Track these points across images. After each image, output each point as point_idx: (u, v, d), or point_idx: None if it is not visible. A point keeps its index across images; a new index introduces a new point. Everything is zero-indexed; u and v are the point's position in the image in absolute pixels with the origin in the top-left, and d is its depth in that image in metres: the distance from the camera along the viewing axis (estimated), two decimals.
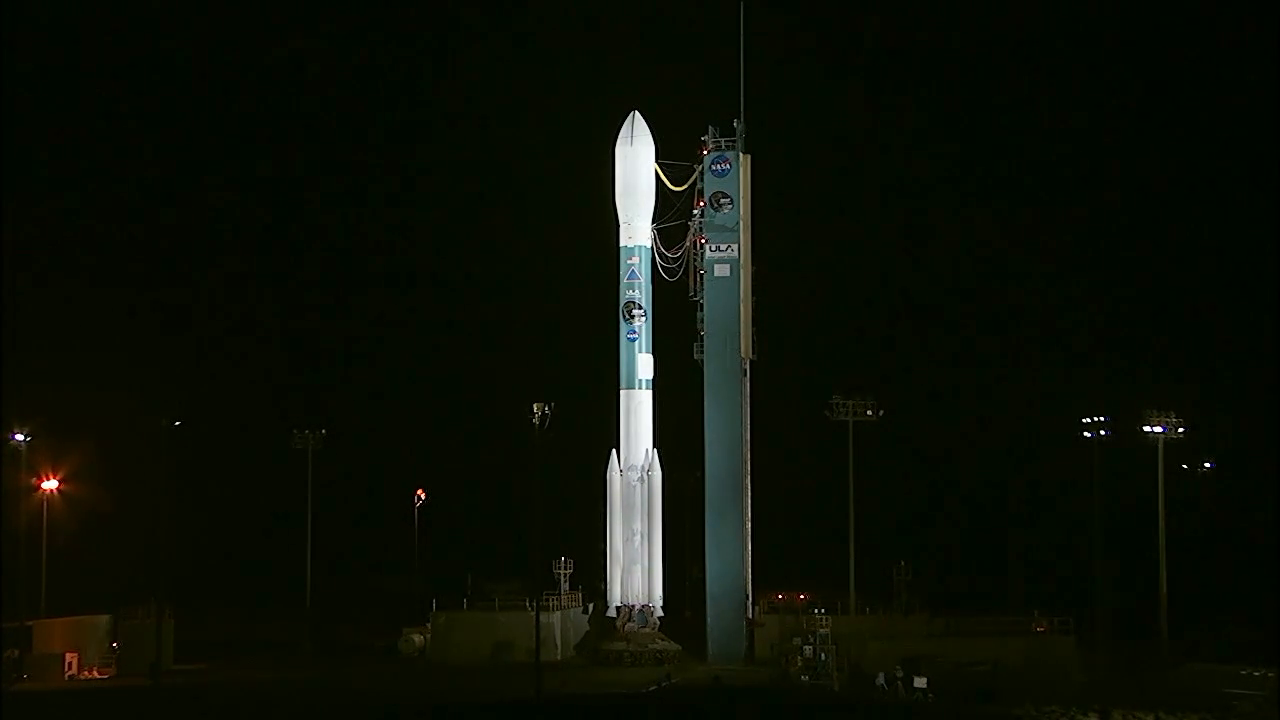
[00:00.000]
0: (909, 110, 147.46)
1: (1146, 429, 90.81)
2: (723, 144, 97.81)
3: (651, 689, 78.73)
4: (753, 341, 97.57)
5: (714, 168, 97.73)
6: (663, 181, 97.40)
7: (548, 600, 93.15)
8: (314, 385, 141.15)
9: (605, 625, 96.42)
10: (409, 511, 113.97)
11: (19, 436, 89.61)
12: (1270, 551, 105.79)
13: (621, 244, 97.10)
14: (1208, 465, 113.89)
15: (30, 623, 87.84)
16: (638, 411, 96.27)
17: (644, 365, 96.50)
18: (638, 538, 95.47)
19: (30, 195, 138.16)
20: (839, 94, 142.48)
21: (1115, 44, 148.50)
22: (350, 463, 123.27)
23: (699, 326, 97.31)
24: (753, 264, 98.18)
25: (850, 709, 74.10)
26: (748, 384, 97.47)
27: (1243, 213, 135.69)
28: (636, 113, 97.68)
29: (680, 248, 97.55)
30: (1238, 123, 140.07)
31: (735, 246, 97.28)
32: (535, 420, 76.63)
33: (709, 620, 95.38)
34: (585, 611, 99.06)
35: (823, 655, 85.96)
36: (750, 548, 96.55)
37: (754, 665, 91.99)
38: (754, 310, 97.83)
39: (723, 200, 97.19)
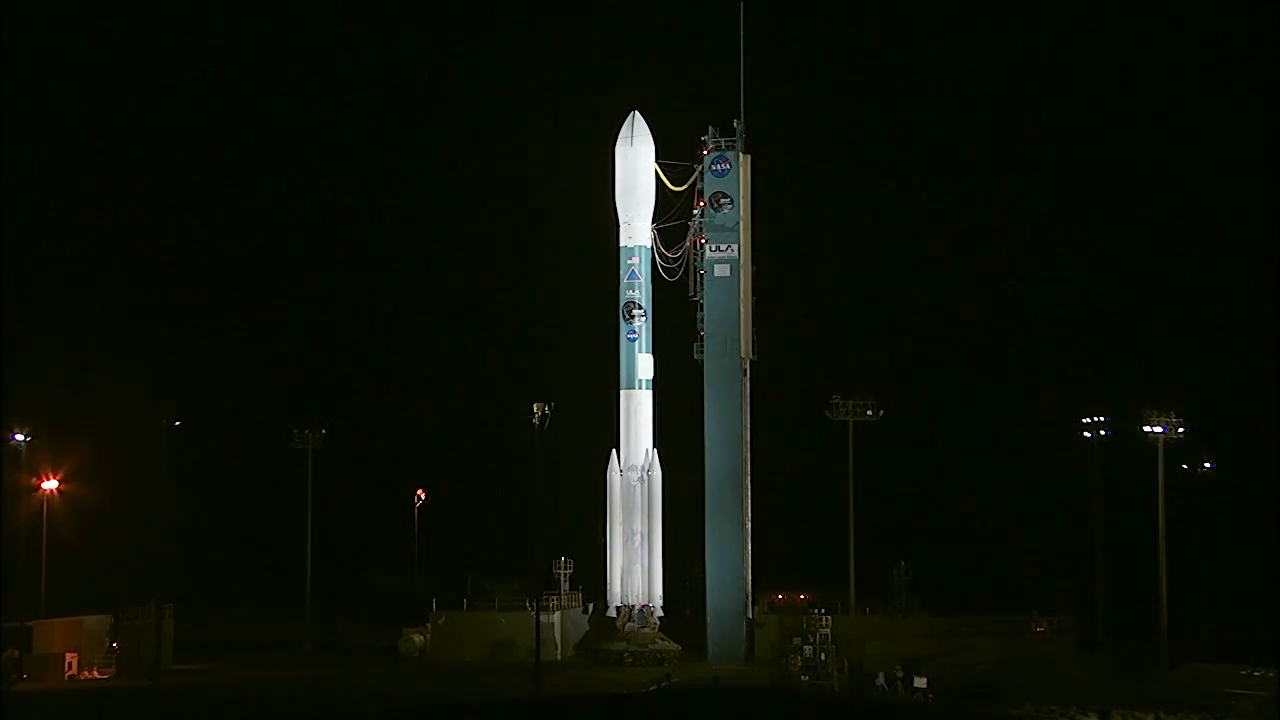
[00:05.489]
0: (908, 110, 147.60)
1: (1146, 429, 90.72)
2: (723, 144, 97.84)
3: (651, 689, 78.73)
4: (753, 341, 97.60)
5: (714, 168, 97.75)
6: (663, 181, 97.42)
7: (548, 600, 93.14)
8: (314, 385, 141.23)
9: (605, 625, 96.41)
10: (409, 511, 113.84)
11: (19, 436, 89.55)
12: (1270, 551, 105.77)
13: (621, 244, 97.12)
14: (1208, 465, 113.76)
15: (30, 623, 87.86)
16: (638, 411, 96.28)
17: (644, 365, 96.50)
18: (638, 538, 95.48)
19: (30, 195, 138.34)
20: (838, 94, 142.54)
21: (1114, 44, 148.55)
22: (350, 463, 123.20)
23: (699, 326, 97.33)
24: (753, 264, 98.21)
25: (850, 709, 74.09)
26: (748, 384, 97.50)
27: (1243, 212, 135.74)
28: (636, 113, 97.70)
29: (680, 248, 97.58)
30: (1238, 122, 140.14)
31: (735, 246, 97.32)
32: (535, 420, 76.62)
33: (709, 620, 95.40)
34: (585, 611, 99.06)
35: (823, 655, 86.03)
36: (750, 548, 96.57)
37: (754, 665, 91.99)
38: (754, 310, 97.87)
39: (723, 200, 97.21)
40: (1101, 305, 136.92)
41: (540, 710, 70.93)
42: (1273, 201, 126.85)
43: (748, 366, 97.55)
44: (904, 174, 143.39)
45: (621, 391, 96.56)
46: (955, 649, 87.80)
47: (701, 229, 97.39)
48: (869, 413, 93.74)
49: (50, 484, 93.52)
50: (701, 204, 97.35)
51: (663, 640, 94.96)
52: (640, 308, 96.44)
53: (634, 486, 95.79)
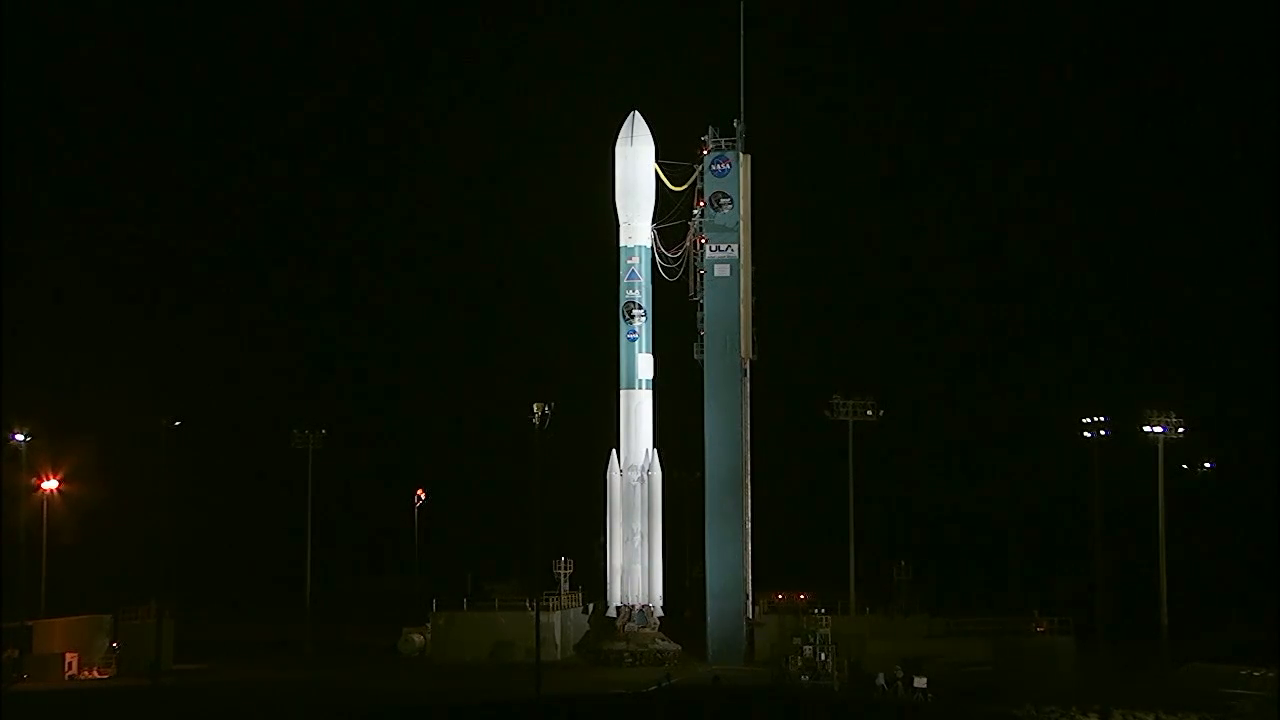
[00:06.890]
0: (908, 109, 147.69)
1: (1146, 429, 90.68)
2: (723, 144, 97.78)
3: (651, 689, 78.71)
4: (753, 341, 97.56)
5: (714, 168, 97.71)
6: (663, 181, 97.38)
7: (548, 600, 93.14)
8: (314, 385, 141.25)
9: (605, 625, 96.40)
10: (409, 511, 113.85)
11: (19, 436, 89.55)
12: (1270, 551, 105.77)
13: (621, 244, 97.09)
14: (1208, 465, 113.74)
15: (30, 623, 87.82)
16: (638, 411, 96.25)
17: (644, 365, 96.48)
18: (638, 538, 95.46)
19: (30, 195, 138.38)
20: (838, 94, 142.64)
21: (1117, 40, 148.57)
22: (350, 463, 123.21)
23: (699, 326, 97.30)
24: (753, 264, 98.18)
25: (850, 709, 74.06)
26: (748, 384, 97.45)
27: (1243, 212, 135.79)
28: (636, 113, 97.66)
29: (680, 248, 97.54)
30: (1239, 121, 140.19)
31: (735, 246, 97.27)
32: (535, 420, 76.61)
33: (709, 620, 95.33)
34: (585, 611, 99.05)
35: (823, 655, 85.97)
36: (750, 548, 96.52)
37: (754, 665, 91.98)
38: (754, 310, 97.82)
39: (723, 200, 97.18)
40: (1101, 305, 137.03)
41: (540, 710, 70.89)
42: (1273, 200, 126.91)
43: (748, 366, 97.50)
44: (904, 173, 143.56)
45: (621, 391, 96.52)
46: (955, 649, 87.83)
47: (701, 229, 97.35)
48: (869, 413, 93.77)
49: (50, 484, 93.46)
50: (701, 204, 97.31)
51: (663, 640, 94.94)
52: (640, 308, 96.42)
53: (634, 486, 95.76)
